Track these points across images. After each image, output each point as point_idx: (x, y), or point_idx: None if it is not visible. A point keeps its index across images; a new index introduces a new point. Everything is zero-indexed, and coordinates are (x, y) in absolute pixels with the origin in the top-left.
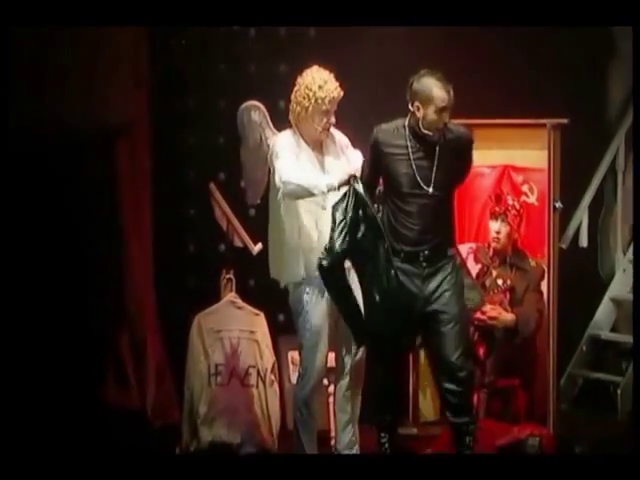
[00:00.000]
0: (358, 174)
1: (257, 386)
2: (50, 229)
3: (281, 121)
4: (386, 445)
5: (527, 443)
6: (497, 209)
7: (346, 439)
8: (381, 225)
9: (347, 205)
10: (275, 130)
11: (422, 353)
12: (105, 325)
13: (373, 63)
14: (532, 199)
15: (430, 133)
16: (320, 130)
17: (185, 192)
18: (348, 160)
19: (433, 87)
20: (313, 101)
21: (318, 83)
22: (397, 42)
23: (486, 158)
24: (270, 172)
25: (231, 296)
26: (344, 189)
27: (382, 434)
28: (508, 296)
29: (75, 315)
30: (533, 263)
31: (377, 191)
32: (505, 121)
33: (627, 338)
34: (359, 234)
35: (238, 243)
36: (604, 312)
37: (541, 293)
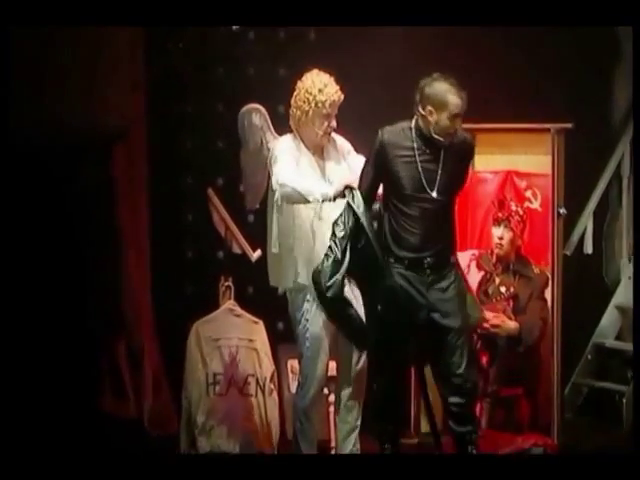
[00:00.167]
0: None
1: (256, 395)
2: (46, 235)
3: (281, 126)
4: None
5: (531, 453)
6: (500, 215)
7: (347, 449)
8: (382, 235)
9: (345, 222)
10: (276, 134)
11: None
12: (102, 333)
13: (374, 66)
14: (536, 205)
15: (441, 139)
16: (321, 134)
17: (183, 197)
18: (349, 166)
19: (447, 93)
20: (313, 105)
21: (318, 87)
22: (398, 45)
23: (489, 163)
24: (269, 176)
25: (230, 304)
26: (340, 200)
27: (385, 446)
28: (511, 304)
29: (71, 323)
30: (537, 270)
31: (377, 196)
32: (508, 126)
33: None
34: (359, 245)
35: (237, 250)
36: (609, 320)
37: (545, 301)
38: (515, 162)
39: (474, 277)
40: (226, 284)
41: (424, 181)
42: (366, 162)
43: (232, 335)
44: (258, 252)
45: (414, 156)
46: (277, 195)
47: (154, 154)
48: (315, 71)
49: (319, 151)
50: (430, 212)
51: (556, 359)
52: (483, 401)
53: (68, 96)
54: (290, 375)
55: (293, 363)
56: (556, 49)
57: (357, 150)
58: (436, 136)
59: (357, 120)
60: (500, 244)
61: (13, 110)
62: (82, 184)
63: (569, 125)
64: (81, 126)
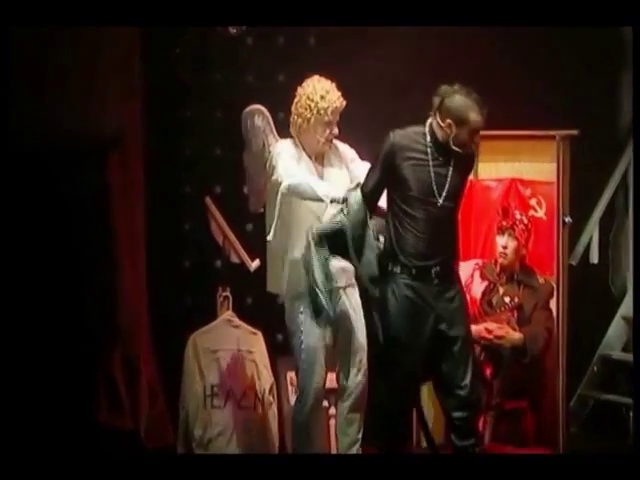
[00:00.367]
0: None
1: (255, 408)
2: (40, 244)
3: (281, 133)
4: None
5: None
6: (504, 223)
7: None
8: (388, 243)
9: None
10: (278, 137)
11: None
12: (97, 344)
13: (374, 72)
14: (540, 213)
15: (459, 150)
16: (323, 142)
17: (180, 206)
18: (352, 174)
19: (470, 111)
20: (315, 112)
21: (320, 93)
22: (399, 51)
23: (493, 171)
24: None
25: (228, 314)
26: (336, 206)
27: None
28: (516, 314)
29: (66, 332)
30: (542, 280)
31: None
32: (512, 133)
33: None
34: (362, 259)
35: (235, 259)
36: (616, 331)
37: (550, 311)
38: (519, 170)
39: (478, 287)
40: (224, 294)
41: (434, 185)
42: (373, 164)
43: (230, 346)
44: (257, 262)
45: (427, 160)
46: (284, 185)
47: (151, 161)
48: (316, 77)
49: (320, 158)
50: (437, 218)
51: (561, 371)
52: (487, 414)
53: (68, 96)
54: (289, 387)
55: (292, 375)
56: (561, 55)
57: (361, 157)
58: (455, 147)
59: (357, 127)
60: (504, 253)
61: (13, 110)
62: (78, 191)
63: (574, 132)
64: (79, 129)
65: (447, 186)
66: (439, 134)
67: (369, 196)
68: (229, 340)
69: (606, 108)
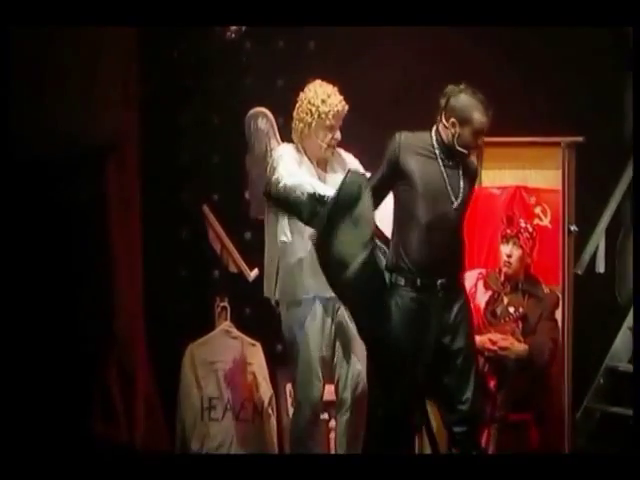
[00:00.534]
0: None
1: (253, 421)
2: (34, 253)
3: (281, 138)
4: None
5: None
6: (509, 231)
7: None
8: (392, 251)
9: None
10: (280, 141)
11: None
12: (92, 353)
13: (376, 76)
14: (545, 222)
15: (465, 151)
16: (325, 147)
17: (177, 214)
18: None
19: (474, 110)
20: (316, 116)
21: (321, 97)
22: (401, 55)
23: (497, 178)
24: None
25: (226, 325)
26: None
27: None
28: (520, 325)
29: (59, 343)
30: (547, 290)
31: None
32: (517, 139)
33: None
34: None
35: (233, 269)
36: (623, 342)
37: (555, 322)
38: (524, 177)
39: (481, 297)
40: (222, 304)
41: (448, 186)
42: (379, 170)
43: (228, 358)
44: (255, 271)
45: (435, 159)
46: (284, 183)
47: (147, 168)
48: (318, 81)
49: (322, 164)
50: (448, 222)
51: (567, 383)
52: (490, 427)
53: (67, 97)
54: (289, 400)
55: (292, 387)
56: (567, 60)
57: (362, 164)
58: (459, 148)
59: (359, 132)
60: (508, 262)
61: (13, 110)
62: (73, 197)
63: (580, 138)
64: (76, 133)
65: (462, 188)
66: (444, 135)
67: (373, 193)
68: (227, 351)
69: (613, 114)
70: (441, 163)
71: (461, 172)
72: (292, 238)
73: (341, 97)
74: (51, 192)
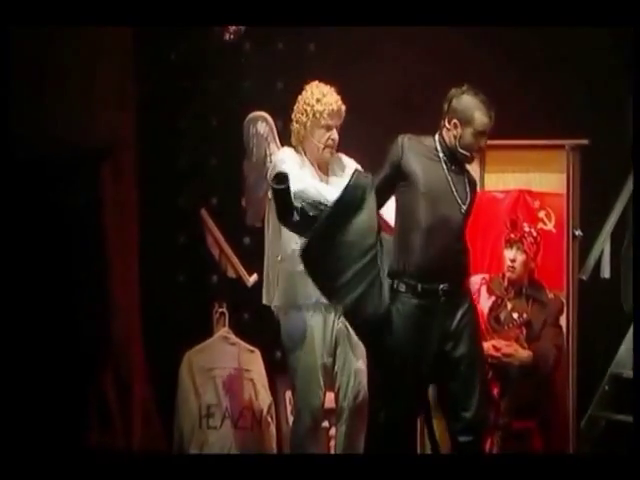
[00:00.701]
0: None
1: (252, 429)
2: (29, 257)
3: (280, 141)
4: None
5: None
6: (512, 236)
7: None
8: (395, 257)
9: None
10: (280, 146)
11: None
12: (87, 360)
13: (377, 78)
14: (550, 226)
15: (467, 154)
16: (322, 147)
17: (175, 218)
18: None
19: (475, 110)
20: (311, 116)
21: (316, 97)
22: (402, 57)
23: (500, 182)
24: None
25: (224, 331)
26: None
27: None
28: (524, 331)
29: (54, 350)
30: (551, 295)
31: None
32: (520, 142)
33: None
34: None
35: (231, 274)
36: (628, 349)
37: (560, 328)
38: (528, 181)
39: (485, 302)
40: (220, 310)
41: (455, 193)
42: (381, 174)
43: (227, 365)
44: (254, 277)
45: (439, 162)
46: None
47: (144, 171)
48: (315, 82)
49: (323, 167)
50: (450, 227)
51: (571, 390)
52: (494, 434)
53: (67, 97)
54: (288, 407)
55: (291, 395)
56: (571, 61)
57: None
58: (461, 150)
59: (359, 135)
60: (512, 267)
61: (13, 110)
62: (68, 202)
63: (585, 141)
64: (73, 135)
65: (468, 193)
66: (447, 137)
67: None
68: (225, 358)
69: (618, 116)
70: (445, 167)
71: (466, 177)
72: (294, 242)
73: (338, 97)
74: (48, 194)
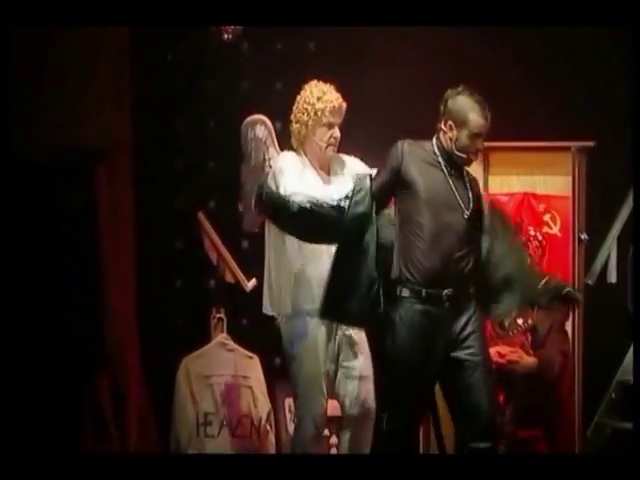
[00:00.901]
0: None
1: (251, 437)
2: (23, 262)
3: (279, 143)
4: None
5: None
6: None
7: None
8: (396, 262)
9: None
10: (279, 150)
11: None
12: (83, 367)
13: (377, 78)
14: (555, 230)
15: (464, 156)
16: (324, 146)
17: (172, 222)
18: None
19: (470, 111)
20: (312, 114)
21: (317, 95)
22: (402, 57)
23: (504, 184)
24: None
25: (222, 337)
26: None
27: None
28: (530, 337)
29: (48, 356)
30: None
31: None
32: (525, 144)
33: None
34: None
35: (230, 278)
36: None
37: (566, 333)
38: (533, 183)
39: None
40: (218, 316)
41: (458, 198)
42: (381, 178)
43: (224, 371)
44: (253, 281)
45: (440, 167)
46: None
47: (141, 174)
48: (314, 82)
49: (325, 167)
50: (454, 232)
51: (577, 397)
52: (499, 443)
53: (67, 97)
54: (288, 415)
55: (291, 402)
56: (577, 62)
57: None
58: (457, 152)
59: (359, 135)
60: None
61: (13, 110)
62: (64, 205)
63: (591, 143)
64: (74, 133)
65: (470, 197)
66: (443, 140)
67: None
68: (223, 365)
69: (624, 118)
70: (445, 172)
71: (468, 182)
72: (295, 247)
73: (338, 94)
74: (43, 195)
